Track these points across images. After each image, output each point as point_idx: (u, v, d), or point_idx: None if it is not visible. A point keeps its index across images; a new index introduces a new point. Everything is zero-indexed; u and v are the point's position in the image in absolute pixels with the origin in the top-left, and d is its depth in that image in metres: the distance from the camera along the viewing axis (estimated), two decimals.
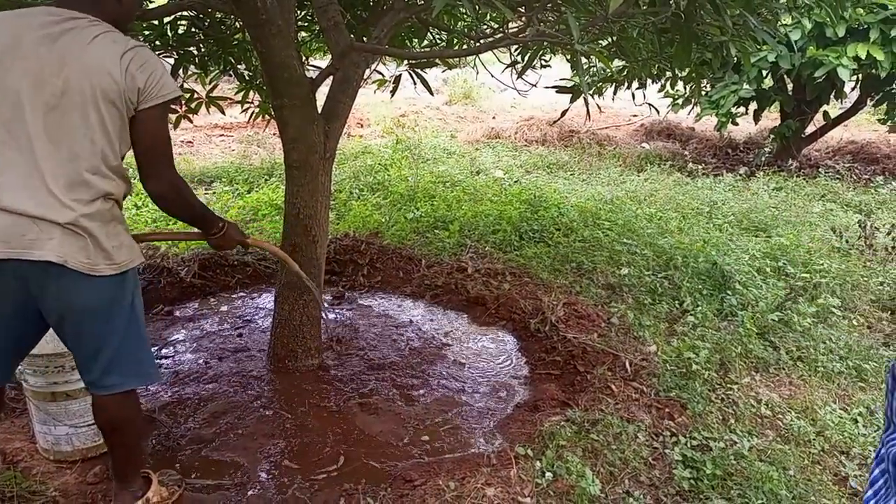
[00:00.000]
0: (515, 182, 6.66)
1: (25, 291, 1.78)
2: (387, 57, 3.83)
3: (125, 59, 1.75)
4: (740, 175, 7.28)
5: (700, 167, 7.83)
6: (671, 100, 7.58)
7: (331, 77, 2.95)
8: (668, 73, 3.82)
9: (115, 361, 1.92)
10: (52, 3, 1.80)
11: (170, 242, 4.38)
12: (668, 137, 9.91)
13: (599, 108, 4.44)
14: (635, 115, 10.18)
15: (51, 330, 1.93)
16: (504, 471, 2.36)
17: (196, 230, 2.17)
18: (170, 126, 2.25)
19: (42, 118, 1.70)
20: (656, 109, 4.17)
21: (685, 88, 6.53)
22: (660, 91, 6.06)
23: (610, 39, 3.09)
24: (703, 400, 2.87)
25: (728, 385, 3.03)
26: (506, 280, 4.14)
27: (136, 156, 1.88)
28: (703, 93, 7.46)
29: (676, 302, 3.88)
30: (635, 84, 4.42)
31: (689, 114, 8.06)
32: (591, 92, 5.22)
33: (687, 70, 3.49)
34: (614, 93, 5.05)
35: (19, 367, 2.27)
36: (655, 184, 6.89)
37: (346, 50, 2.70)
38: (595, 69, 5.82)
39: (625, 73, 4.13)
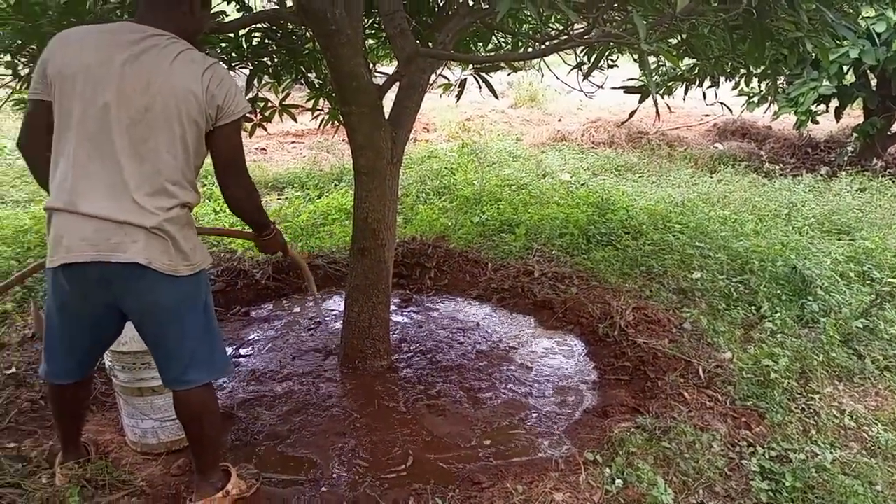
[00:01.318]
0: (582, 185, 6.58)
1: (108, 293, 1.89)
2: (452, 62, 3.87)
3: (205, 77, 1.86)
4: (821, 175, 6.95)
5: (777, 167, 7.52)
6: (746, 98, 7.31)
7: (397, 83, 3.01)
8: (742, 71, 3.70)
9: (194, 357, 2.03)
10: (129, 19, 1.91)
11: (245, 247, 4.56)
12: (743, 137, 9.55)
13: (669, 108, 4.35)
14: (707, 115, 9.87)
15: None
16: (573, 476, 2.34)
17: (248, 231, 2.37)
18: (244, 134, 2.39)
19: (126, 133, 1.80)
20: (729, 108, 4.03)
21: (760, 86, 6.28)
22: (734, 89, 5.86)
23: (679, 38, 3.02)
24: (782, 409, 2.76)
25: (809, 395, 2.90)
26: (573, 284, 4.10)
27: (215, 166, 2.01)
28: (781, 90, 7.16)
29: (753, 307, 3.75)
30: (707, 83, 4.29)
31: (765, 112, 7.74)
32: (660, 92, 5.11)
33: (762, 67, 3.37)
34: (685, 92, 4.92)
35: (108, 363, 2.42)
36: (729, 185, 6.66)
37: (412, 56, 2.74)
38: (664, 68, 5.68)
39: (696, 71, 4.02)
